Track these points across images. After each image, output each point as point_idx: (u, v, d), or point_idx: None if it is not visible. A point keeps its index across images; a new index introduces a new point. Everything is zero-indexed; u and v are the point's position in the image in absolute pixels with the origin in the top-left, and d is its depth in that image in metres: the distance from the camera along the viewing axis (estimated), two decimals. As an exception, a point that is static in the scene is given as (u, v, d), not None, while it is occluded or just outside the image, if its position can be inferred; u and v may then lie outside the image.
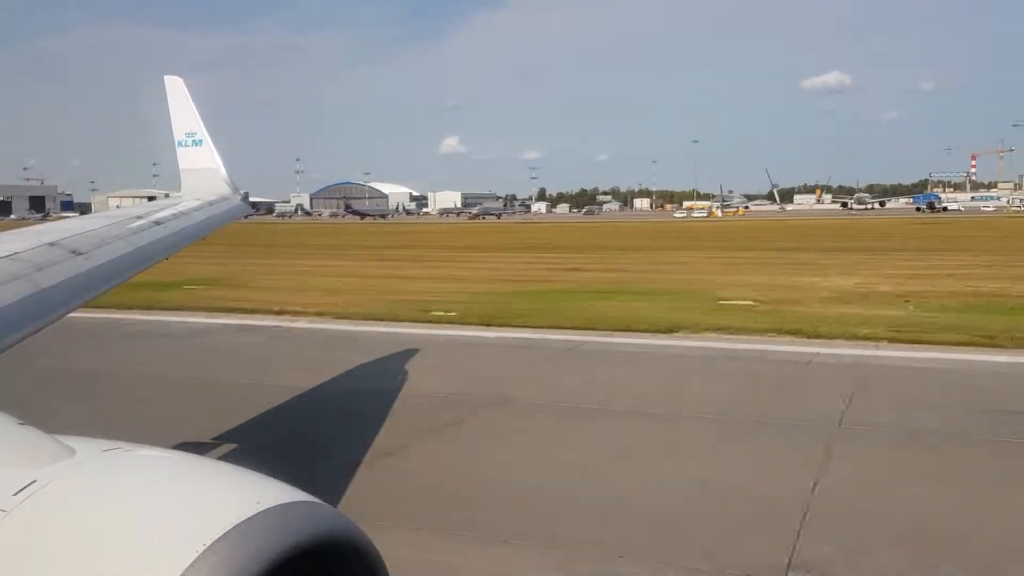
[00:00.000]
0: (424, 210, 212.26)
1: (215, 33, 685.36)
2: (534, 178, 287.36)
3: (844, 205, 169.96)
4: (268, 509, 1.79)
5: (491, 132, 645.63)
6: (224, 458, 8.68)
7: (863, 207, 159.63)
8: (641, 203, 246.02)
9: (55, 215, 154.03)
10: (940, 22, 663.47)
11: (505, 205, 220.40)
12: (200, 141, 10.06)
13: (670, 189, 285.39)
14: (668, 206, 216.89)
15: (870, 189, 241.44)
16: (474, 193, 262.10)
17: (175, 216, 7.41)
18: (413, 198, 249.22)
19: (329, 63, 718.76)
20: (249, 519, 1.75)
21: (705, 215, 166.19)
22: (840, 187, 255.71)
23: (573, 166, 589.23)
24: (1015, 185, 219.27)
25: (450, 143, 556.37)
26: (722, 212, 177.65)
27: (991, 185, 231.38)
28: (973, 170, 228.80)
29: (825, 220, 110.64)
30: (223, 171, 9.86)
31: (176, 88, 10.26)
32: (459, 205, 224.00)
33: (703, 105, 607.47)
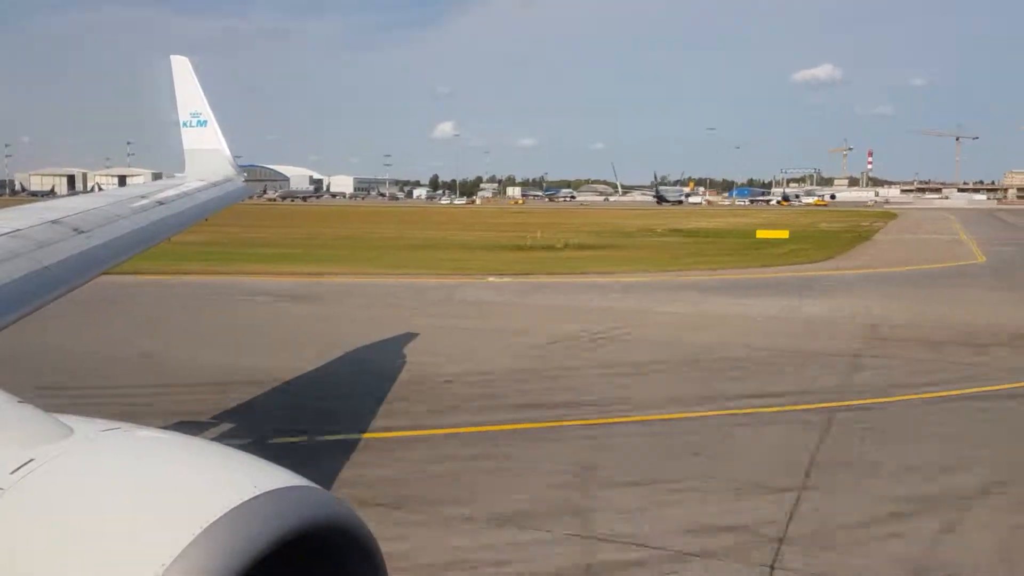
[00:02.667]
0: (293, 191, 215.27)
1: (202, 16, 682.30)
2: (388, 165, 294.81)
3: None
4: (265, 493, 1.78)
5: (486, 119, 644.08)
6: (221, 440, 8.74)
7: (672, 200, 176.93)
8: (513, 191, 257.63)
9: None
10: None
11: (369, 190, 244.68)
12: (205, 122, 10.01)
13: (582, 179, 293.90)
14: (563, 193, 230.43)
15: (752, 183, 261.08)
16: (366, 178, 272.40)
17: (179, 196, 7.39)
18: (312, 181, 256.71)
19: (324, 48, 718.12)
20: (246, 502, 1.74)
21: (463, 202, 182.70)
22: (724, 180, 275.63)
23: (569, 154, 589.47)
24: (850, 181, 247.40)
25: (444, 129, 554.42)
26: (479, 199, 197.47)
27: (830, 181, 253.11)
28: (870, 166, 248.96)
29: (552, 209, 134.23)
30: (227, 152, 9.82)
31: (182, 68, 10.19)
32: (352, 190, 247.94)
33: (699, 97, 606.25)
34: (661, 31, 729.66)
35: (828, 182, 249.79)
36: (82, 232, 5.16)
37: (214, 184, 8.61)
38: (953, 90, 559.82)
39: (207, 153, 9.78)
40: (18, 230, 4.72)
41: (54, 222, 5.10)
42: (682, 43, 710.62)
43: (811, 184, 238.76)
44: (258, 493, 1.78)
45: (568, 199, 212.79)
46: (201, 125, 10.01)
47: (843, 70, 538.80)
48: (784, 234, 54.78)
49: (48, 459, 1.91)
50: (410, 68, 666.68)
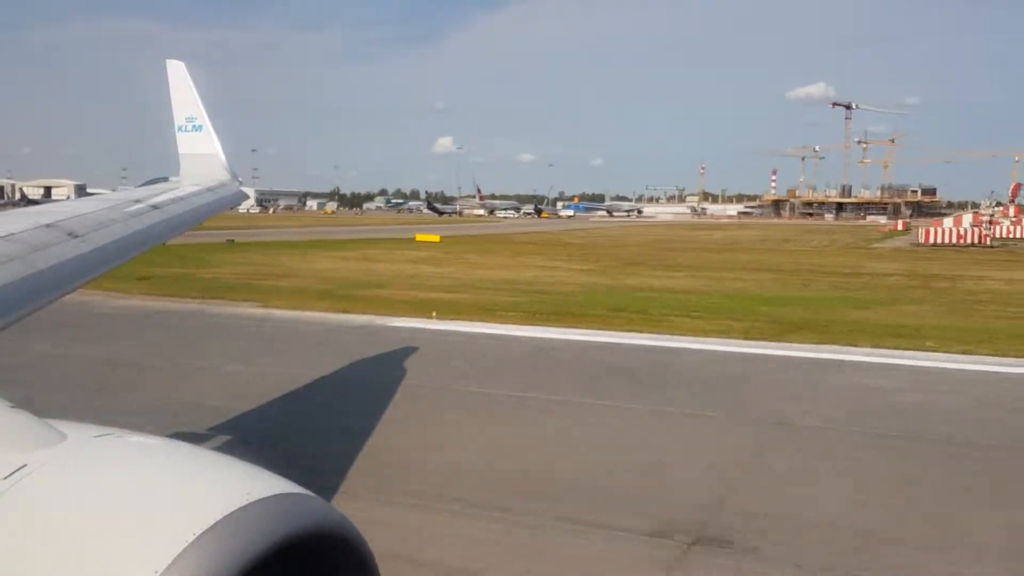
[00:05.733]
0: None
1: (203, 28, 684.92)
2: (256, 178, 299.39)
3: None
4: (259, 500, 1.77)
5: (487, 134, 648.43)
6: (217, 449, 8.68)
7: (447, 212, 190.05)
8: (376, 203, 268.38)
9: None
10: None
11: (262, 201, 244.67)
12: (200, 127, 9.99)
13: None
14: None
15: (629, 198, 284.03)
16: (271, 190, 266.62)
17: (173, 201, 7.36)
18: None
19: (326, 61, 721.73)
20: (239, 509, 1.73)
21: (258, 211, 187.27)
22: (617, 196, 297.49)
23: (572, 170, 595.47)
24: (700, 197, 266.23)
25: (444, 143, 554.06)
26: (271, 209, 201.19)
27: (683, 198, 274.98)
28: (773, 181, 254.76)
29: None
30: (222, 157, 9.79)
31: (178, 72, 10.17)
32: (253, 202, 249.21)
33: (693, 112, 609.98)
34: (659, 48, 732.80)
35: (683, 198, 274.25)
36: (76, 236, 5.14)
37: (209, 189, 8.58)
38: (945, 109, 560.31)
39: (202, 158, 9.74)
40: (12, 234, 4.70)
41: (48, 226, 5.08)
42: (682, 59, 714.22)
43: (676, 202, 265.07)
44: (251, 500, 1.77)
45: (415, 210, 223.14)
46: (196, 130, 9.97)
47: (836, 88, 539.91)
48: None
49: (41, 464, 1.90)
50: (410, 82, 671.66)
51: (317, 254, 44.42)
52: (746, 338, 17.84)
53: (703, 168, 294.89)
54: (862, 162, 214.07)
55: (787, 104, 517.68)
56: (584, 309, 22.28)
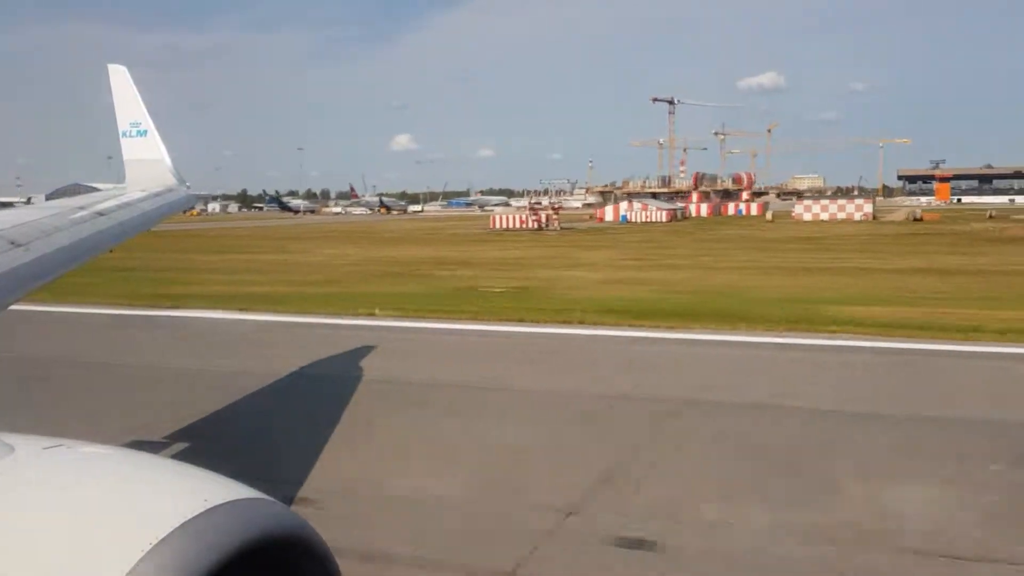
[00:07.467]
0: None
1: (152, 31, 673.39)
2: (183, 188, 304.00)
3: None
4: (216, 506, 1.75)
5: (443, 131, 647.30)
6: (174, 457, 8.51)
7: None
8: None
9: None
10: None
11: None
12: (145, 132, 9.82)
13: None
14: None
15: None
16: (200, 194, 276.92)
17: (119, 207, 7.22)
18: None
19: (280, 63, 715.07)
20: (196, 516, 1.70)
21: None
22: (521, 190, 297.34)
23: (528, 164, 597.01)
24: (587, 190, 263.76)
25: (400, 141, 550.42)
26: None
27: (573, 191, 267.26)
28: (683, 170, 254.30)
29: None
30: (168, 162, 9.64)
31: (120, 78, 10.00)
32: None
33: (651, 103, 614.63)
34: (615, 39, 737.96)
35: (573, 191, 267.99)
36: (19, 245, 5.00)
37: (156, 194, 8.43)
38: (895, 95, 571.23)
39: (148, 163, 9.58)
40: None
41: None
42: (638, 50, 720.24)
43: (569, 193, 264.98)
44: (209, 507, 1.75)
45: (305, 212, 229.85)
46: (141, 135, 9.80)
47: (786, 77, 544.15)
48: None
49: None
50: (367, 80, 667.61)
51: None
52: None
53: (591, 163, 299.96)
54: (729, 152, 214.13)
55: (738, 93, 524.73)
56: None
